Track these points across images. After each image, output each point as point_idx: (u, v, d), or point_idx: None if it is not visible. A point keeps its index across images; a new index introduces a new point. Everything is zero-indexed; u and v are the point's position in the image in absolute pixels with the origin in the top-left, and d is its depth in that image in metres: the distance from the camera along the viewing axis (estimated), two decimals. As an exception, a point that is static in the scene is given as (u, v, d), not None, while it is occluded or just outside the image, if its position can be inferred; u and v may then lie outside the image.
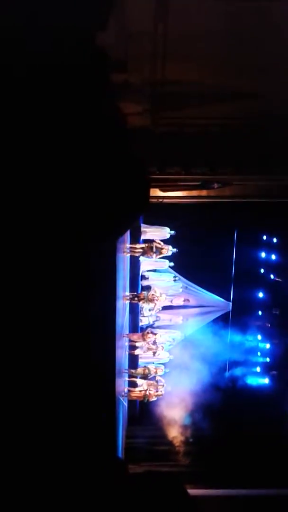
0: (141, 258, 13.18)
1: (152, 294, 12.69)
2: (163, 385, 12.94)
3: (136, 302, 12.68)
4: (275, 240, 15.85)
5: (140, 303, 12.82)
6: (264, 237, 16.06)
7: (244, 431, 13.77)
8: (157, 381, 12.92)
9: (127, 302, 12.56)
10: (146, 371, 12.74)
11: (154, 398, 12.81)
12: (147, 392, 12.65)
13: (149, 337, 12.61)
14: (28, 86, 1.57)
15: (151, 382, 12.87)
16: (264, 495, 12.35)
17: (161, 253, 13.15)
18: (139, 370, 12.82)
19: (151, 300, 12.69)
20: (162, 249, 13.08)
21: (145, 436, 14.05)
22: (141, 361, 13.24)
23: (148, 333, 12.67)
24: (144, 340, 12.61)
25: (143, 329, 13.19)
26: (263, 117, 7.09)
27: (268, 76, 6.23)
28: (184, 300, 14.24)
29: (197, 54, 5.87)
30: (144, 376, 12.68)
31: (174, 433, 14.45)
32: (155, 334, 12.82)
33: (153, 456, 13.38)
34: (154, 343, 12.96)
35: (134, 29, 5.35)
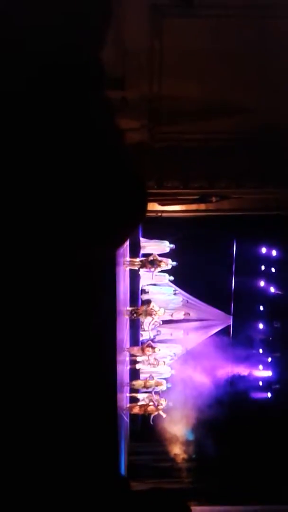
0: (141, 272, 13.17)
1: (151, 308, 12.66)
2: (164, 400, 12.86)
3: (135, 317, 12.65)
4: (274, 253, 15.86)
5: (141, 318, 12.80)
6: (264, 250, 16.08)
7: (246, 446, 13.64)
8: (159, 395, 12.84)
9: (127, 317, 12.54)
10: (148, 383, 12.67)
11: (156, 413, 12.70)
12: (148, 407, 12.56)
13: (149, 351, 12.56)
14: (25, 103, 1.59)
15: (152, 396, 12.79)
16: (268, 511, 12.18)
17: (160, 266, 13.16)
18: (140, 382, 12.75)
19: (150, 314, 12.66)
20: (161, 262, 13.08)
21: (147, 452, 13.92)
22: (142, 376, 13.16)
23: (147, 346, 12.63)
24: (143, 353, 12.56)
25: (143, 343, 13.14)
26: (260, 131, 7.14)
27: (265, 91, 6.29)
28: (184, 314, 14.20)
29: (193, 69, 5.94)
30: (146, 388, 12.62)
31: (177, 449, 14.31)
32: (154, 347, 12.76)
33: (156, 473, 13.24)
34: (155, 358, 12.91)
35: (131, 45, 5.42)
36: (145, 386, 12.76)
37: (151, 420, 12.77)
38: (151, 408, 12.51)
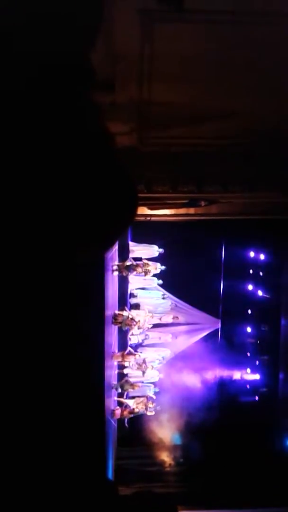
0: (130, 276, 13.16)
1: (131, 319, 12.57)
2: (152, 402, 12.84)
3: (114, 324, 12.57)
4: (262, 256, 15.96)
5: (121, 326, 12.73)
6: (252, 254, 16.17)
7: (234, 449, 13.66)
8: (147, 399, 12.82)
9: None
10: (125, 387, 12.65)
11: (130, 416, 12.67)
12: (136, 410, 12.54)
13: (128, 358, 12.54)
14: (14, 105, 1.58)
15: (140, 400, 12.77)
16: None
17: (149, 270, 13.16)
18: (127, 386, 12.72)
19: (128, 325, 12.61)
20: (149, 265, 13.08)
21: (134, 456, 13.88)
22: (131, 380, 13.13)
23: (128, 354, 12.61)
24: (123, 360, 12.54)
25: (132, 348, 13.12)
26: (250, 136, 7.18)
27: (255, 96, 6.33)
28: (173, 318, 14.21)
29: (184, 74, 5.96)
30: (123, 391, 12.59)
31: (164, 454, 14.29)
32: (134, 354, 12.73)
33: (143, 477, 13.20)
34: (144, 361, 12.89)
35: (120, 50, 5.42)
36: (132, 388, 12.75)
37: (126, 423, 12.76)
38: (126, 412, 12.50)
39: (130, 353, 12.64)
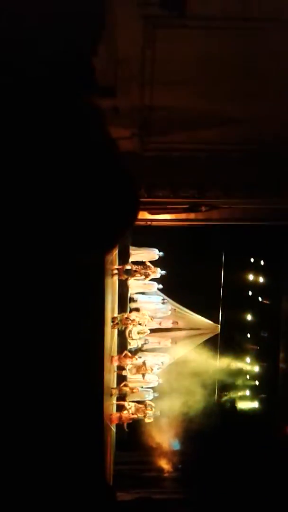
0: (130, 280, 13.15)
1: (126, 318, 12.61)
2: (151, 409, 12.80)
3: (113, 328, 12.56)
4: (262, 262, 15.96)
5: (118, 327, 12.73)
6: (252, 260, 16.16)
7: (233, 456, 13.61)
8: (145, 405, 12.78)
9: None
10: (122, 390, 12.63)
11: (130, 421, 12.65)
12: (136, 414, 12.52)
13: (126, 361, 12.53)
14: (18, 109, 1.59)
15: (140, 406, 12.74)
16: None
17: (148, 273, 13.14)
18: (125, 389, 12.69)
19: (125, 324, 12.62)
20: (149, 269, 13.07)
21: (133, 462, 13.83)
22: (130, 385, 13.09)
23: (124, 357, 12.59)
24: (121, 363, 12.53)
25: (131, 352, 13.09)
26: (251, 142, 7.21)
27: (256, 102, 6.36)
28: (172, 323, 14.18)
29: (184, 79, 5.98)
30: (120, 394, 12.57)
31: (163, 459, 14.24)
32: (131, 357, 12.71)
33: (141, 482, 13.15)
34: (144, 363, 12.87)
35: (123, 55, 5.45)
36: (131, 391, 12.71)
37: (125, 428, 12.72)
38: (125, 416, 12.46)
39: (126, 356, 12.62)
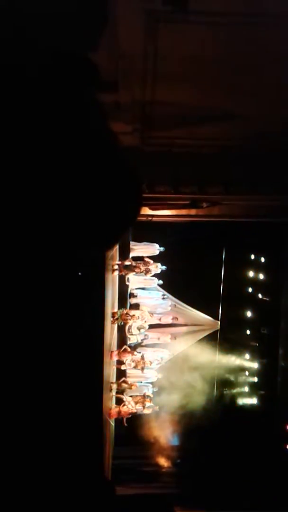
0: (130, 276, 13.16)
1: (126, 313, 12.65)
2: (150, 401, 12.85)
3: (113, 323, 12.60)
4: (262, 259, 15.96)
5: (117, 323, 12.76)
6: (252, 256, 16.17)
7: (232, 451, 13.66)
8: (144, 397, 12.82)
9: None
10: (121, 386, 12.68)
11: (129, 416, 12.68)
12: (135, 409, 12.55)
13: (125, 356, 12.56)
14: (20, 104, 1.59)
15: (138, 398, 12.77)
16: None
17: (149, 270, 13.15)
18: (125, 385, 12.73)
19: (124, 320, 12.65)
20: (149, 264, 13.08)
21: (132, 456, 13.88)
22: (129, 380, 13.13)
23: (123, 351, 12.62)
24: (120, 358, 12.57)
25: (131, 347, 13.11)
26: (252, 138, 7.19)
27: (258, 98, 6.34)
28: (172, 318, 14.20)
29: (187, 75, 5.97)
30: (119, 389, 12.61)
31: (161, 454, 14.29)
32: (131, 352, 12.75)
33: (140, 477, 13.20)
34: (142, 358, 12.90)
35: (125, 49, 5.44)
36: (129, 387, 12.75)
37: (124, 422, 12.76)
38: (124, 410, 12.49)
39: (126, 351, 12.65)
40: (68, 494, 2.28)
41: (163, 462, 14.29)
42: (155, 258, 13.49)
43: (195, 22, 5.28)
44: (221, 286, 15.37)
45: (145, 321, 13.08)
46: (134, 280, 13.46)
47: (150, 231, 12.76)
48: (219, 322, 15.38)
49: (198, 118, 6.83)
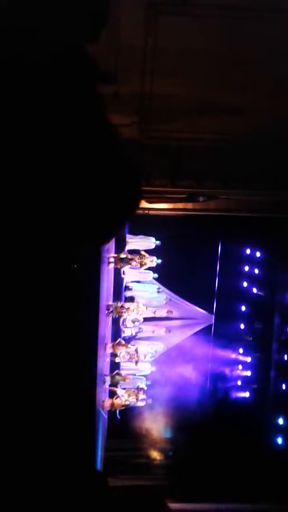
0: (125, 269, 13.16)
1: (121, 306, 12.67)
2: (143, 394, 12.91)
3: (108, 315, 12.61)
4: (258, 254, 15.99)
5: (112, 315, 12.79)
6: (248, 251, 16.20)
7: (224, 444, 13.75)
8: (137, 389, 12.88)
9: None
10: (114, 379, 12.73)
11: (122, 408, 12.75)
12: (128, 401, 12.61)
13: (119, 349, 12.60)
14: (17, 97, 1.58)
15: (131, 391, 12.83)
16: (244, 509, 12.31)
17: (145, 263, 13.16)
18: (118, 378, 12.78)
19: (119, 312, 12.68)
20: (145, 257, 13.09)
21: (124, 449, 13.95)
22: (123, 373, 13.18)
23: (117, 344, 12.67)
24: (114, 350, 12.60)
25: (125, 340, 13.15)
26: (250, 133, 7.18)
27: (257, 93, 6.33)
28: (167, 312, 14.23)
29: (185, 69, 5.95)
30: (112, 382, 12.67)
31: (154, 446, 14.37)
32: (125, 345, 12.80)
33: (132, 469, 13.27)
34: (136, 351, 12.93)
35: (125, 42, 5.41)
36: (123, 379, 12.81)
37: (118, 414, 12.82)
38: (117, 403, 12.55)
39: (120, 344, 12.69)
40: (60, 486, 2.30)
41: (155, 454, 14.38)
42: (151, 252, 13.48)
43: (195, 15, 5.26)
44: (216, 280, 15.40)
45: (139, 314, 13.09)
46: (129, 273, 13.47)
47: (146, 224, 12.74)
48: (213, 316, 15.43)
49: (196, 111, 6.82)
